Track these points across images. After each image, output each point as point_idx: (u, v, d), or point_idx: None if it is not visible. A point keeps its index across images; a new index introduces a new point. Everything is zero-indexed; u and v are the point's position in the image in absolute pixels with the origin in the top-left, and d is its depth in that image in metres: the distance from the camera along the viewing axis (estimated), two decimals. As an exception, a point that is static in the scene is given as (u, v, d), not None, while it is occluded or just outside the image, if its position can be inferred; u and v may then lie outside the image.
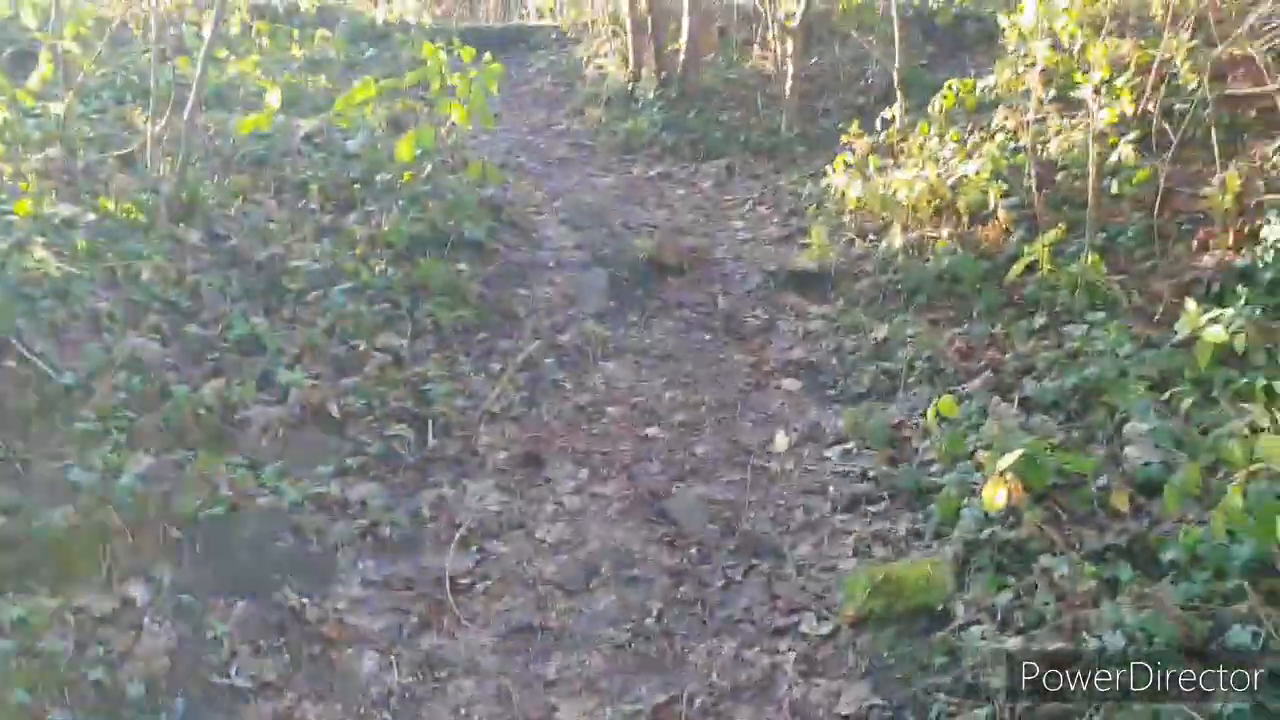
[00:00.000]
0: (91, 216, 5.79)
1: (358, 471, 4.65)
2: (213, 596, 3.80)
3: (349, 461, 4.69)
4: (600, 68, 11.32)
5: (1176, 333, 4.85)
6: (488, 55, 7.51)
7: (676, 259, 6.80)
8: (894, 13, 8.82)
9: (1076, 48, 7.20)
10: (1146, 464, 4.17)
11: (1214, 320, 4.67)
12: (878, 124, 8.17)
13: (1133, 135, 6.15)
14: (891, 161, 7.67)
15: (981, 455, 4.27)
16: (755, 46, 11.06)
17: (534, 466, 4.82)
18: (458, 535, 4.33)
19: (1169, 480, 3.95)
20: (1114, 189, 6.03)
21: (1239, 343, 4.60)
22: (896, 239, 6.41)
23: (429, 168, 6.93)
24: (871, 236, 6.86)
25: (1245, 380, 4.49)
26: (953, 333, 5.51)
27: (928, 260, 6.14)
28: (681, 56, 10.46)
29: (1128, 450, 4.30)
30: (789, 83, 9.74)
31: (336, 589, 3.99)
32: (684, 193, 8.61)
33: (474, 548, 4.29)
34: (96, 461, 4.13)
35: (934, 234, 6.37)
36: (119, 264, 5.42)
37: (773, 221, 7.86)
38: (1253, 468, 3.64)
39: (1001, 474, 3.84)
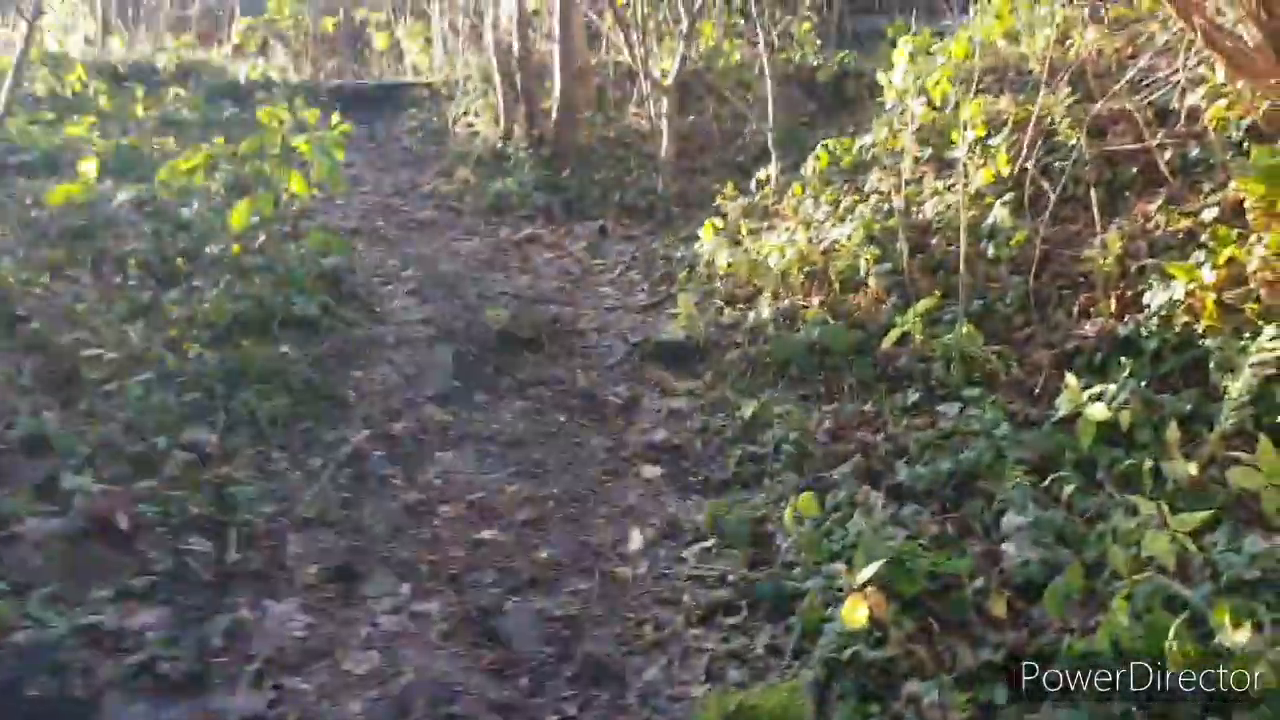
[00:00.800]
0: None
1: (142, 594, 4.01)
2: (-61, 765, 3.16)
3: (133, 582, 4.05)
4: (470, 126, 10.85)
5: (1057, 409, 4.51)
6: (335, 116, 7.00)
7: (534, 331, 6.27)
8: (767, 70, 8.51)
9: (952, 105, 6.96)
10: (1025, 563, 3.76)
11: (1096, 397, 4.34)
12: (752, 185, 7.82)
13: (1009, 196, 5.86)
14: (766, 224, 7.31)
15: (848, 556, 3.84)
16: (632, 104, 10.70)
17: (349, 581, 4.23)
18: (252, 669, 3.71)
19: (1050, 584, 3.56)
20: (991, 252, 5.72)
21: (1124, 419, 4.27)
22: (765, 308, 5.99)
23: (261, 237, 6.33)
24: (742, 305, 6.44)
25: (1131, 461, 4.15)
26: (823, 411, 5.09)
27: (798, 330, 5.73)
28: (554, 114, 10.04)
29: (1005, 547, 3.89)
30: (664, 141, 9.38)
31: (98, 744, 3.36)
32: (552, 256, 8.10)
33: (270, 684, 3.67)
34: None
35: (805, 302, 5.98)
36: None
37: (642, 288, 7.40)
38: (1138, 578, 3.27)
39: (862, 588, 3.39)
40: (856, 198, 6.83)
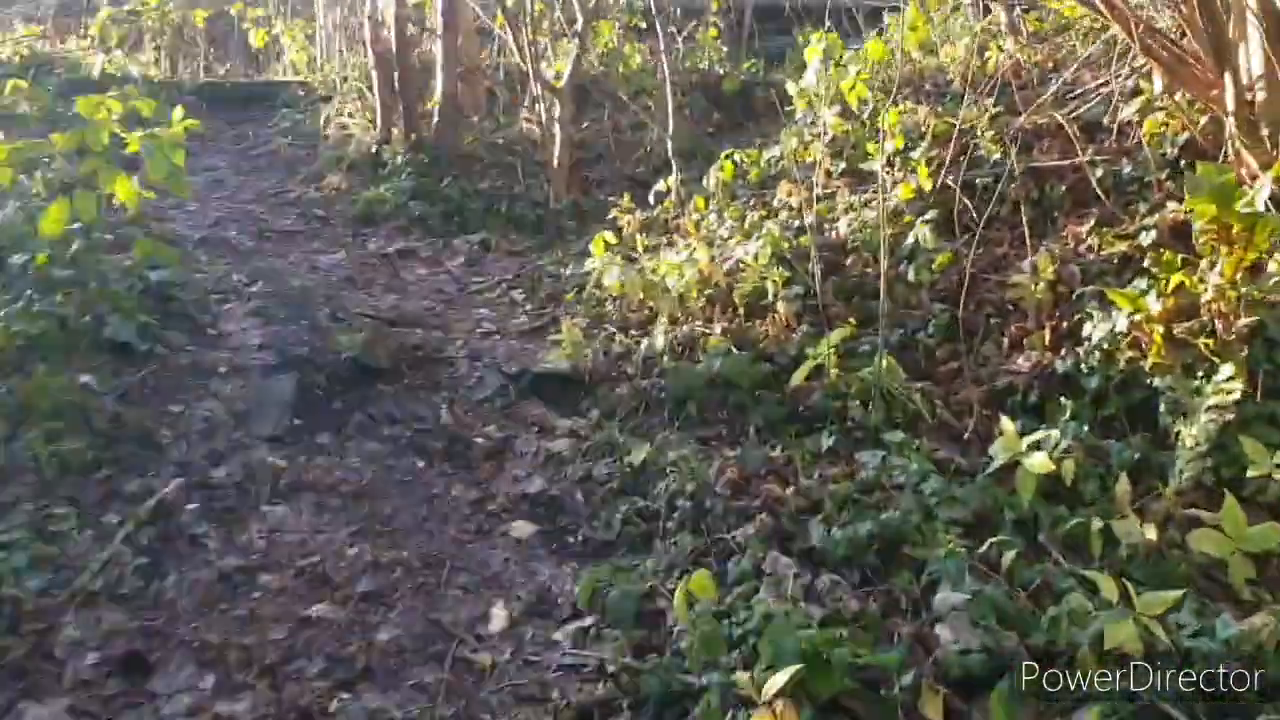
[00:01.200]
0: None
1: None
2: None
3: None
4: (344, 128, 9.97)
5: (991, 458, 3.92)
6: (179, 111, 6.10)
7: (393, 359, 5.43)
8: (667, 75, 7.85)
9: (868, 113, 6.41)
10: (964, 651, 3.11)
11: (1036, 445, 3.76)
12: (651, 198, 7.14)
13: (931, 213, 5.28)
14: (665, 240, 6.64)
15: (754, 644, 3.16)
16: (524, 108, 9.95)
17: (137, 673, 3.37)
18: (-10, 801, 2.88)
19: (995, 685, 2.93)
20: (911, 276, 5.13)
21: (1067, 470, 3.70)
22: (660, 336, 5.28)
23: (74, 245, 5.42)
24: (635, 331, 5.71)
25: (1077, 520, 3.59)
26: (724, 458, 4.38)
27: (698, 362, 5.03)
28: (435, 117, 9.23)
29: (940, 630, 3.24)
30: (557, 149, 8.64)
31: None
32: (425, 273, 7.27)
33: (12, 821, 2.85)
34: None
35: (706, 329, 5.29)
36: None
37: (525, 309, 6.62)
38: (1099, 674, 2.66)
39: (769, 703, 2.70)
40: (764, 213, 6.20)
